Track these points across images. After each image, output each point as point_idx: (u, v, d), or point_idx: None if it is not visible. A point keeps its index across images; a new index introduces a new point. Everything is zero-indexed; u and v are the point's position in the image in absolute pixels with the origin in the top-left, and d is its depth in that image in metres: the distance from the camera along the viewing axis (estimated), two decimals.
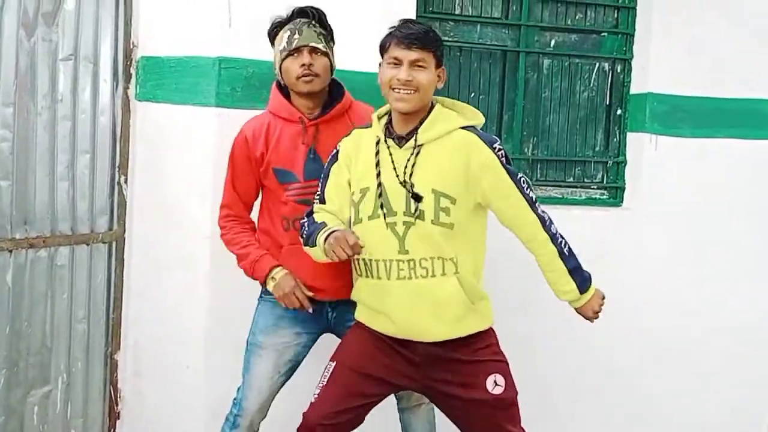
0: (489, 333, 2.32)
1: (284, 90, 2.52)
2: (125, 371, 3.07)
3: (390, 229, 2.20)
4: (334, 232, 2.12)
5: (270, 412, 2.57)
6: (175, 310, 2.96)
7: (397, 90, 2.17)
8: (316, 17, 2.46)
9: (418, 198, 2.17)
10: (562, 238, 2.29)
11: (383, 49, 2.22)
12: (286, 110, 2.47)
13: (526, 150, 3.45)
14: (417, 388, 2.37)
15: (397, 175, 2.20)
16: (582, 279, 2.33)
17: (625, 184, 3.54)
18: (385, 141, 2.24)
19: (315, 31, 2.43)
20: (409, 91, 2.16)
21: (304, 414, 2.30)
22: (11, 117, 2.68)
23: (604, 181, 3.57)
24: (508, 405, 2.28)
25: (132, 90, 2.99)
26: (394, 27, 2.22)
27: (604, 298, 2.37)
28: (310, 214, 2.32)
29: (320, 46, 2.42)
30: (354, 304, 2.45)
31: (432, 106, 2.25)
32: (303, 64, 2.40)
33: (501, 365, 2.30)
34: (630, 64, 3.51)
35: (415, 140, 2.20)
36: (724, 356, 3.51)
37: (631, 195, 3.52)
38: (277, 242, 2.49)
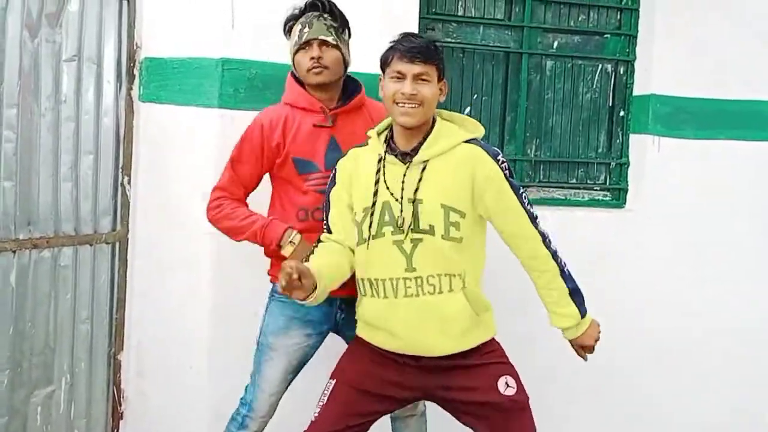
0: (493, 340, 2.31)
1: (301, 82, 2.51)
2: (128, 372, 3.08)
3: (397, 247, 2.17)
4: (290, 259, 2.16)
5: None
6: (179, 311, 2.96)
7: (401, 104, 2.15)
8: (327, 9, 2.45)
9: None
10: (562, 258, 2.27)
11: (385, 63, 2.20)
12: (305, 100, 2.46)
13: (528, 151, 3.45)
14: (425, 398, 2.34)
15: (403, 191, 2.17)
16: (581, 302, 2.30)
17: (627, 185, 3.54)
18: (386, 157, 2.22)
19: (325, 23, 2.43)
20: (413, 105, 2.14)
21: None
22: (15, 118, 2.68)
23: (607, 183, 3.57)
24: (521, 407, 2.26)
25: (135, 91, 2.99)
26: (395, 41, 2.21)
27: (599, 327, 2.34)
28: (318, 241, 2.31)
29: (330, 38, 2.42)
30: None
31: (433, 120, 2.24)
32: (312, 57, 2.41)
33: (510, 368, 2.29)
34: (633, 66, 3.51)
35: (421, 156, 2.18)
36: (725, 357, 3.51)
37: (633, 196, 3.52)
38: None
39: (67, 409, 2.93)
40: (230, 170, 2.49)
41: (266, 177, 2.55)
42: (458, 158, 2.20)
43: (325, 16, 2.44)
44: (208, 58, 2.84)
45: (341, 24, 2.48)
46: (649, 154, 3.44)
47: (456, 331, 2.21)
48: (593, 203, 3.54)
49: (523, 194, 2.23)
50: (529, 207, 2.23)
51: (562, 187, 3.51)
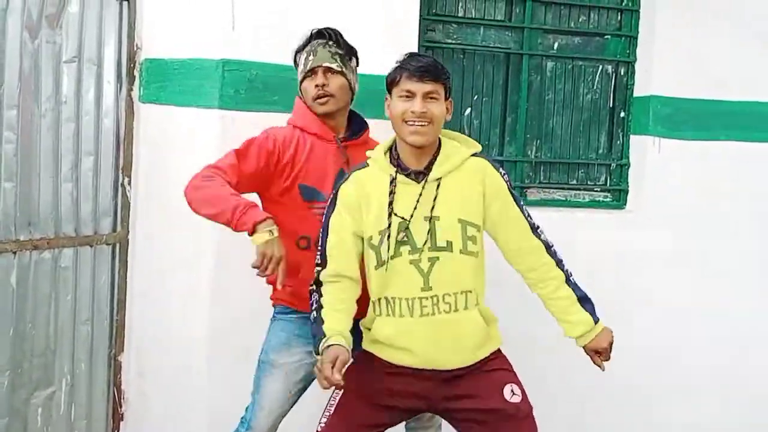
0: (498, 349, 2.32)
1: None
2: (129, 373, 3.08)
3: (414, 266, 2.17)
4: (326, 350, 2.05)
5: None
6: (179, 312, 2.96)
7: (411, 123, 2.15)
8: (333, 38, 2.45)
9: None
10: (567, 267, 2.29)
11: (393, 83, 2.20)
12: (318, 127, 2.45)
13: (529, 152, 3.45)
14: (431, 410, 2.33)
15: (415, 210, 2.17)
16: (592, 309, 2.30)
17: (628, 186, 3.54)
18: (397, 177, 2.20)
19: (330, 51, 2.43)
20: (423, 123, 2.14)
21: None
22: (15, 119, 2.68)
23: (608, 184, 3.57)
24: (526, 415, 2.25)
25: (135, 92, 2.99)
26: (402, 61, 2.21)
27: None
28: (318, 284, 2.23)
29: (334, 65, 2.42)
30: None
31: (439, 138, 2.25)
32: (317, 85, 2.41)
33: (514, 376, 2.29)
34: (633, 67, 3.51)
35: (435, 174, 2.19)
36: (726, 359, 3.51)
37: (634, 198, 3.52)
38: (292, 261, 2.38)
39: (67, 411, 2.93)
40: (233, 158, 2.37)
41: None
42: (468, 172, 2.22)
43: (330, 44, 2.44)
44: (208, 59, 2.84)
45: (347, 52, 2.48)
46: (649, 155, 3.44)
47: (470, 346, 2.22)
48: (594, 204, 3.53)
49: (524, 206, 2.27)
50: (530, 218, 2.27)
51: (563, 188, 3.50)
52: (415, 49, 3.03)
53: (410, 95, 2.15)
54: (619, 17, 3.52)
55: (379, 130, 2.74)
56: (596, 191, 3.56)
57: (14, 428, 2.77)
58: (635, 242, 3.40)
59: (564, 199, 3.50)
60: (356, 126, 2.54)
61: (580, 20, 3.49)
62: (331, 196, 2.26)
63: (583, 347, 2.35)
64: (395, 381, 2.24)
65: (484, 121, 3.38)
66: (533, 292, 2.34)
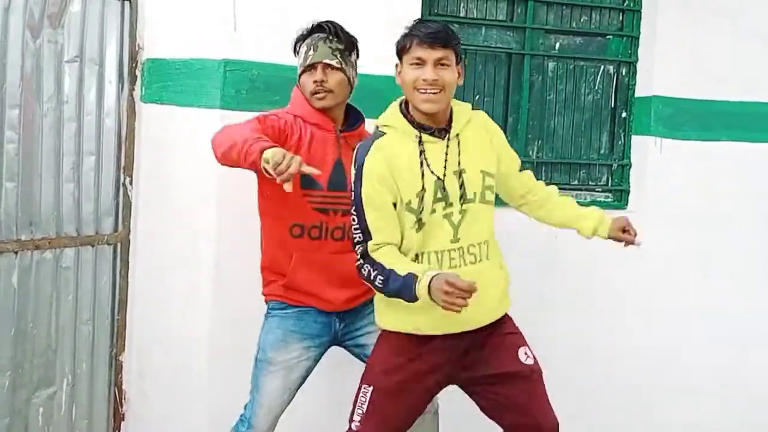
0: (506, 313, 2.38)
1: None
2: (130, 373, 3.08)
3: (447, 220, 2.20)
4: (433, 279, 1.99)
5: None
6: (180, 312, 2.96)
7: (422, 90, 2.16)
8: (333, 32, 2.45)
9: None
10: None
11: (403, 50, 2.20)
12: (318, 118, 2.45)
13: (530, 152, 3.45)
14: (452, 382, 2.34)
15: (446, 166, 2.20)
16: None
17: (629, 187, 3.53)
18: (423, 137, 2.22)
19: (330, 47, 2.43)
20: (435, 91, 2.16)
21: None
22: (17, 119, 2.68)
23: (609, 184, 3.57)
24: (539, 376, 2.30)
25: (137, 92, 2.99)
26: (411, 27, 2.21)
27: None
28: (366, 256, 2.16)
29: (333, 62, 2.42)
30: (360, 314, 2.48)
31: None
32: (316, 81, 2.41)
33: (524, 339, 2.34)
34: (635, 67, 3.51)
35: (455, 129, 2.26)
36: (727, 359, 3.51)
37: (635, 198, 3.51)
38: (286, 249, 2.45)
39: (68, 410, 2.93)
40: (255, 122, 2.33)
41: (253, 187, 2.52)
42: (476, 125, 2.32)
43: (331, 38, 2.44)
44: (210, 59, 2.84)
45: (347, 46, 2.47)
46: (651, 155, 3.44)
47: (495, 299, 2.27)
48: (595, 204, 3.51)
49: None
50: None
51: (564, 189, 3.49)
52: None
53: (421, 62, 2.16)
54: (620, 17, 3.52)
55: None
56: (598, 191, 3.56)
57: (15, 428, 2.77)
58: None
59: None
60: (353, 118, 2.56)
61: (582, 20, 3.49)
62: (355, 171, 2.20)
63: (608, 236, 2.45)
64: (422, 360, 2.24)
65: None
66: (536, 214, 2.48)
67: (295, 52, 2.53)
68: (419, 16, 3.08)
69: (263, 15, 2.85)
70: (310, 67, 2.44)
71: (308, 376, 2.52)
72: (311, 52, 2.43)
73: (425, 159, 2.20)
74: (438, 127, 2.24)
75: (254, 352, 2.53)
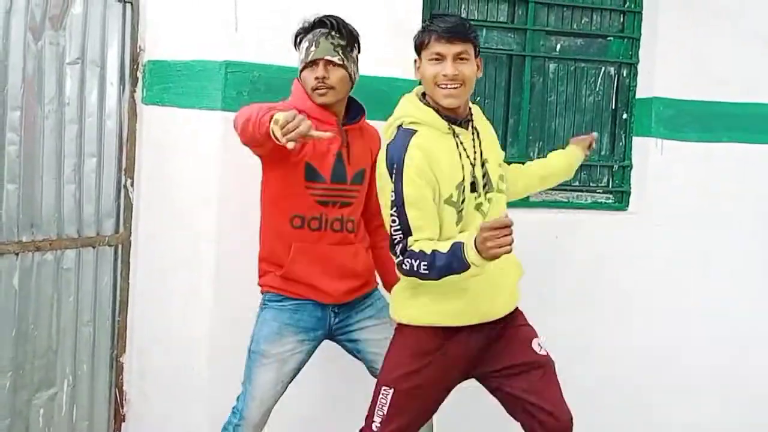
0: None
1: None
2: (131, 374, 3.08)
3: (478, 210, 2.23)
4: (476, 238, 1.99)
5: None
6: (181, 313, 2.96)
7: (443, 85, 2.17)
8: (335, 27, 2.44)
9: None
10: None
11: (421, 45, 2.21)
12: (320, 113, 2.45)
13: (531, 154, 3.45)
14: (471, 376, 2.36)
15: (474, 157, 2.25)
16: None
17: (630, 188, 3.53)
18: (455, 130, 2.24)
19: (332, 42, 2.42)
20: (456, 86, 2.17)
21: None
22: (18, 120, 2.68)
23: (610, 185, 3.57)
24: (553, 367, 2.33)
25: (139, 94, 2.99)
26: (429, 22, 2.22)
27: None
28: (405, 251, 2.13)
29: (335, 59, 2.41)
30: (355, 309, 2.48)
31: None
32: (317, 77, 2.41)
33: (535, 331, 2.37)
34: (636, 69, 3.51)
35: (474, 121, 2.31)
36: (727, 359, 3.51)
37: (636, 199, 3.51)
38: (285, 240, 2.46)
39: (69, 412, 2.93)
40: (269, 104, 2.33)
41: (257, 177, 2.52)
42: (480, 117, 2.39)
43: (333, 34, 2.43)
44: (211, 61, 2.84)
45: (349, 42, 2.47)
46: (651, 156, 3.44)
47: (512, 289, 2.31)
48: (596, 206, 3.53)
49: None
50: None
51: (565, 190, 3.50)
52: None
53: (440, 58, 2.17)
54: (621, 19, 3.52)
55: (380, 131, 2.74)
56: (599, 193, 3.56)
57: (16, 429, 2.77)
58: (637, 244, 3.40)
59: (566, 200, 3.50)
60: (354, 111, 2.56)
61: (583, 22, 3.49)
62: (395, 168, 2.16)
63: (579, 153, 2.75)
64: (444, 354, 2.24)
65: None
66: (515, 188, 2.59)
67: (296, 45, 2.52)
68: (420, 18, 3.08)
69: (264, 17, 2.85)
70: (311, 63, 2.43)
71: (301, 369, 2.53)
72: (313, 48, 2.43)
73: (464, 150, 2.22)
74: (461, 118, 2.27)
75: (248, 346, 2.54)
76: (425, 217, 2.14)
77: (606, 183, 3.57)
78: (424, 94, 2.30)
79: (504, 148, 3.38)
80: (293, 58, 2.56)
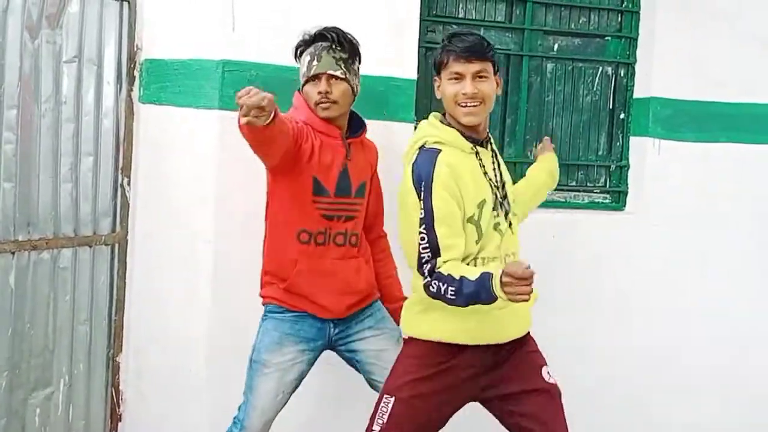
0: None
1: None
2: (127, 373, 3.07)
3: (496, 230, 2.24)
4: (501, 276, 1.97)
5: None
6: (178, 312, 2.95)
7: (463, 104, 2.19)
8: (336, 41, 2.44)
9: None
10: None
11: (441, 65, 2.23)
12: (324, 127, 2.46)
13: (529, 154, 3.44)
14: (476, 399, 2.34)
15: (495, 177, 2.29)
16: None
17: (628, 188, 3.54)
18: (478, 150, 2.27)
19: (334, 56, 2.42)
20: (476, 104, 2.20)
21: None
22: (15, 119, 2.67)
23: (607, 185, 3.57)
24: (560, 397, 2.32)
25: (135, 92, 2.99)
26: (447, 41, 2.23)
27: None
28: (433, 272, 2.10)
29: (338, 73, 2.42)
30: (356, 320, 2.49)
31: None
32: (320, 92, 2.41)
33: (544, 359, 2.36)
34: (633, 68, 3.51)
35: (491, 143, 2.33)
36: (727, 359, 3.51)
37: (634, 199, 3.51)
38: (291, 255, 2.45)
39: (65, 411, 2.92)
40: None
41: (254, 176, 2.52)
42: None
43: (335, 47, 2.43)
44: (208, 60, 2.83)
45: (351, 54, 2.47)
46: (649, 156, 3.44)
47: (524, 312, 2.29)
48: (593, 206, 3.53)
49: None
50: None
51: (562, 190, 3.50)
52: (414, 51, 3.04)
53: (459, 77, 2.19)
54: (619, 19, 3.52)
55: (379, 130, 2.74)
56: (596, 193, 3.56)
57: (12, 429, 2.76)
58: (635, 244, 3.40)
59: (563, 200, 3.50)
60: (356, 124, 2.57)
61: (580, 22, 3.49)
62: (423, 185, 2.14)
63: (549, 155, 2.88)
64: (449, 371, 2.23)
65: None
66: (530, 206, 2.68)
67: (296, 57, 2.52)
68: (418, 18, 3.08)
69: (262, 16, 2.85)
70: (314, 77, 2.43)
71: (302, 380, 2.52)
72: (315, 63, 2.42)
73: (485, 170, 2.25)
74: (481, 138, 2.29)
75: (249, 356, 2.53)
76: (454, 235, 2.13)
77: (603, 183, 3.57)
78: (443, 116, 2.32)
79: (501, 148, 3.40)
80: (291, 58, 2.56)
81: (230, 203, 2.83)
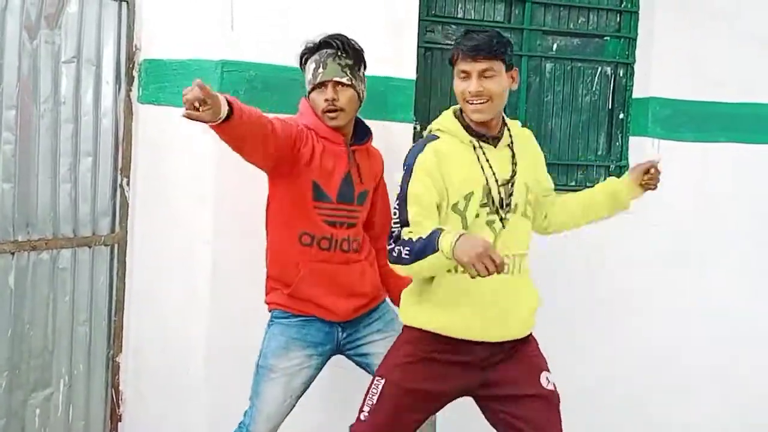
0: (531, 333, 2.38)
1: None
2: (127, 374, 3.07)
3: (488, 227, 2.23)
4: (462, 237, 1.96)
5: None
6: (177, 313, 2.95)
7: (470, 101, 2.22)
8: (342, 48, 2.44)
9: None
10: None
11: (452, 62, 2.26)
12: (329, 133, 2.46)
13: None
14: (470, 395, 2.34)
15: (494, 174, 2.24)
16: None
17: None
18: (480, 144, 2.26)
19: (340, 63, 2.43)
20: (482, 101, 2.21)
21: (351, 429, 2.29)
22: (14, 119, 2.67)
23: None
24: (557, 403, 2.31)
25: (134, 93, 2.99)
26: (458, 39, 2.25)
27: None
28: (398, 239, 2.14)
29: (344, 79, 2.42)
30: (363, 324, 2.48)
31: None
32: (327, 99, 2.41)
33: (546, 363, 2.35)
34: (632, 68, 3.51)
35: (507, 138, 2.31)
36: (727, 359, 3.51)
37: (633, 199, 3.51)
38: (293, 258, 2.45)
39: (65, 412, 2.92)
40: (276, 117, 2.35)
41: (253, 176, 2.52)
42: (524, 139, 2.40)
43: (340, 54, 2.44)
44: (207, 60, 2.83)
45: (356, 61, 2.47)
46: (648, 156, 3.41)
47: (522, 316, 2.28)
48: None
49: None
50: None
51: (562, 190, 3.48)
52: (413, 51, 3.04)
53: (466, 75, 2.22)
54: (618, 19, 3.52)
55: (379, 130, 2.74)
56: None
57: (12, 429, 2.76)
58: (634, 243, 3.40)
59: None
60: (361, 132, 2.57)
61: (579, 22, 3.49)
62: (406, 167, 2.22)
63: (637, 186, 2.59)
64: (439, 362, 2.23)
65: None
66: (559, 219, 2.52)
67: (301, 65, 2.52)
68: (417, 18, 3.08)
69: (261, 15, 2.85)
70: (320, 85, 2.43)
71: (309, 386, 2.51)
72: (321, 70, 2.43)
73: (481, 164, 2.24)
74: (491, 135, 2.29)
75: (252, 354, 2.52)
76: (424, 214, 2.16)
77: None
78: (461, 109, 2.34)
79: None
80: (289, 57, 2.56)
81: (229, 203, 2.83)
